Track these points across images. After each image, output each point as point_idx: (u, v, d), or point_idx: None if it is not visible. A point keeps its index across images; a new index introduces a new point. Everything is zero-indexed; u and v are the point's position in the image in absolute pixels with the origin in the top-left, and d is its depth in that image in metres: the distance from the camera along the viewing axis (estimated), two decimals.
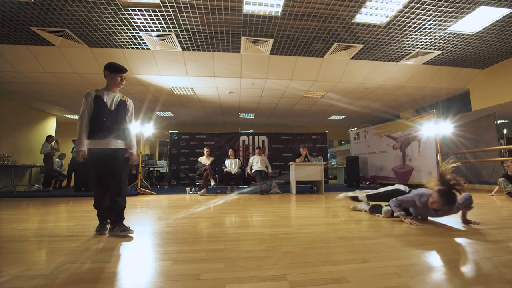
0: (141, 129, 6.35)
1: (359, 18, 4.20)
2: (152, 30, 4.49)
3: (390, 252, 1.57)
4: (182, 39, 4.77)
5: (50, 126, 9.05)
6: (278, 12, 4.02)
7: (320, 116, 10.04)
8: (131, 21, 4.20)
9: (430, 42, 4.99)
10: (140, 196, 5.42)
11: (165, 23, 4.29)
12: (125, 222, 2.13)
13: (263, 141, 8.31)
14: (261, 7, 3.90)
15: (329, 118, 10.46)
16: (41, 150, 7.26)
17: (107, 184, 2.09)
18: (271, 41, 4.87)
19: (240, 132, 8.46)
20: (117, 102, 2.19)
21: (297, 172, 5.67)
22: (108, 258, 1.53)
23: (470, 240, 1.83)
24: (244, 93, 7.23)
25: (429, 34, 4.70)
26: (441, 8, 3.94)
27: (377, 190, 3.04)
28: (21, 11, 3.92)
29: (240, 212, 3.26)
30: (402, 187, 2.82)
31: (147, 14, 4.03)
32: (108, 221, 2.15)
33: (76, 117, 9.55)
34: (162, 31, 4.52)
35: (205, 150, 6.33)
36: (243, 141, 8.28)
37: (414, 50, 5.31)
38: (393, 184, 3.13)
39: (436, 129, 6.05)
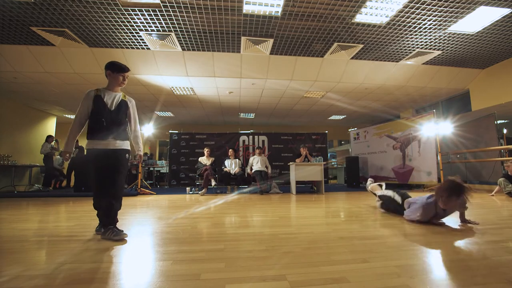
0: (141, 129, 6.35)
1: (359, 18, 4.20)
2: (152, 30, 4.49)
3: (390, 252, 1.57)
4: (182, 39, 4.77)
5: (50, 126, 9.05)
6: (278, 12, 4.02)
7: (320, 116, 10.04)
8: (131, 21, 4.20)
9: (430, 42, 4.99)
10: (140, 196, 5.42)
11: (165, 23, 4.29)
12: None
13: (263, 141, 8.31)
14: (261, 7, 3.90)
15: (329, 118, 10.46)
16: (41, 150, 7.26)
17: (104, 184, 2.03)
18: (271, 41, 4.87)
19: (240, 132, 8.46)
20: (118, 102, 2.15)
21: (297, 172, 5.67)
22: (108, 258, 1.53)
23: (470, 240, 1.83)
24: (244, 93, 7.23)
25: (429, 34, 4.70)
26: (441, 8, 3.94)
27: (385, 193, 3.05)
28: (21, 11, 3.92)
29: (240, 212, 3.26)
30: (390, 192, 2.94)
31: (147, 14, 4.03)
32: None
33: None
34: (162, 31, 4.52)
35: (205, 150, 6.33)
36: (243, 141, 8.28)
37: (414, 50, 5.31)
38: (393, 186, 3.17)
39: (436, 129, 6.05)
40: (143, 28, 4.42)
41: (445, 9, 3.96)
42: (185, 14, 4.05)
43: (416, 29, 4.52)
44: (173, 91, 6.92)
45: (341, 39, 4.85)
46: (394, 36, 4.77)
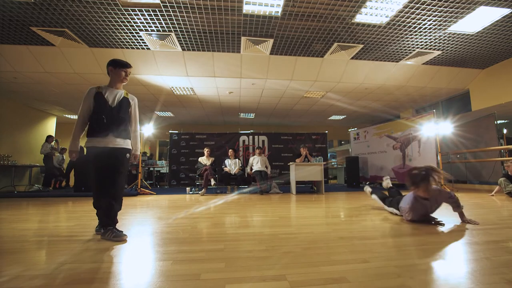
0: (141, 129, 6.36)
1: (359, 18, 4.20)
2: (152, 30, 4.49)
3: (390, 252, 1.57)
4: (182, 39, 4.77)
5: (50, 126, 9.05)
6: (278, 12, 4.02)
7: (320, 116, 10.04)
8: (131, 21, 4.20)
9: (430, 42, 4.99)
10: (140, 196, 5.42)
11: (165, 23, 4.29)
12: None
13: (263, 141, 8.31)
14: (261, 7, 3.90)
15: (329, 118, 10.46)
16: (41, 150, 7.27)
17: (104, 184, 1.99)
18: (271, 41, 4.87)
19: (240, 132, 8.46)
20: (119, 99, 2.10)
21: (297, 172, 5.67)
22: (108, 258, 1.53)
23: (470, 240, 1.83)
24: (244, 93, 7.23)
25: (429, 34, 4.70)
26: (441, 8, 3.94)
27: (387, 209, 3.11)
28: (21, 11, 3.92)
29: (240, 212, 3.26)
30: (389, 209, 3.01)
31: (147, 14, 4.03)
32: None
33: (76, 117, 9.54)
34: (162, 31, 4.52)
35: (205, 150, 6.33)
36: (243, 141, 8.28)
37: (414, 50, 5.31)
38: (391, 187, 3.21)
39: (436, 129, 6.05)
40: (143, 28, 4.42)
41: (445, 9, 3.96)
42: (185, 14, 4.05)
43: (416, 29, 4.52)
44: (173, 91, 6.93)
45: (341, 39, 4.85)
46: (394, 36, 4.77)
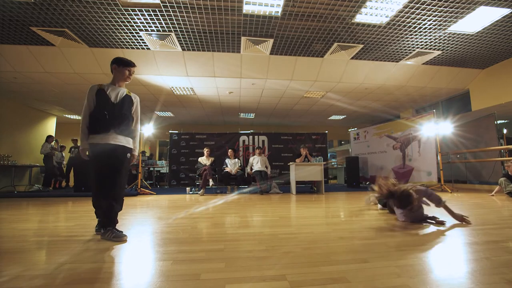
0: (141, 129, 6.36)
1: (359, 18, 4.20)
2: (152, 30, 4.49)
3: (390, 252, 1.57)
4: (182, 39, 4.77)
5: (50, 126, 9.05)
6: (278, 12, 4.02)
7: (320, 116, 10.04)
8: (131, 21, 4.20)
9: (430, 42, 4.99)
10: (140, 196, 5.42)
11: (165, 23, 4.29)
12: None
13: (263, 141, 8.31)
14: (261, 7, 3.90)
15: (329, 118, 10.46)
16: (41, 150, 7.26)
17: (105, 184, 1.97)
18: (271, 41, 4.87)
19: (240, 132, 8.46)
20: (122, 96, 2.09)
21: (297, 172, 5.67)
22: (108, 258, 1.53)
23: (470, 240, 1.83)
24: (244, 93, 7.23)
25: (429, 34, 4.70)
26: (441, 8, 3.94)
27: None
28: (21, 11, 3.92)
29: (240, 212, 3.26)
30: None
31: (147, 14, 4.03)
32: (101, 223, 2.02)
33: (76, 117, 9.55)
34: (162, 31, 4.52)
35: (205, 150, 6.33)
36: (243, 141, 8.28)
37: (414, 50, 5.31)
38: None
39: (436, 129, 6.05)
40: (143, 28, 4.42)
41: (445, 9, 3.96)
42: (185, 14, 4.05)
43: (416, 29, 4.52)
44: (173, 91, 6.93)
45: (341, 39, 4.85)
46: (394, 36, 4.77)
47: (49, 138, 7.47)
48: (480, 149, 6.39)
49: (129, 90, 2.20)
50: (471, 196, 4.84)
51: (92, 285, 1.16)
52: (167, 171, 8.35)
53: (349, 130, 9.03)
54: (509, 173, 4.81)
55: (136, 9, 3.91)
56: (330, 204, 3.96)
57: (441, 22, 4.33)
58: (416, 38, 4.84)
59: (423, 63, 5.95)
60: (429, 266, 1.35)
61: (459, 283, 1.15)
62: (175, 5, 3.82)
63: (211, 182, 5.75)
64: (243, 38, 4.78)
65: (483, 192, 5.44)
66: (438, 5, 3.85)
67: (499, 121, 7.51)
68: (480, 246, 1.67)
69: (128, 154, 2.11)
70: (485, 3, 3.80)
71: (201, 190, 5.66)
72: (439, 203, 2.38)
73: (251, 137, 8.31)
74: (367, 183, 8.30)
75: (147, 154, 10.18)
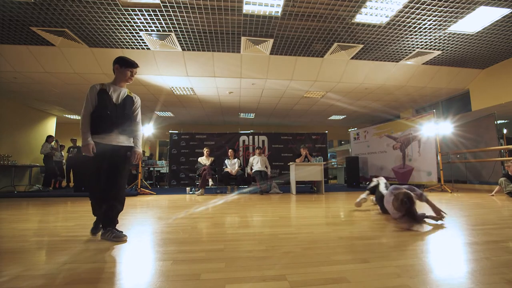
0: (141, 129, 6.36)
1: (359, 18, 4.20)
2: (152, 30, 4.49)
3: (390, 252, 1.57)
4: (182, 39, 4.77)
5: (50, 126, 9.05)
6: (278, 12, 4.02)
7: (320, 116, 10.04)
8: (131, 21, 4.20)
9: (430, 42, 4.99)
10: (140, 196, 5.42)
11: (165, 23, 4.29)
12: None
13: (263, 141, 8.31)
14: (261, 7, 3.90)
15: (329, 118, 10.46)
16: (41, 150, 7.26)
17: (106, 183, 1.95)
18: (271, 41, 4.87)
19: (240, 132, 8.46)
20: (123, 97, 2.07)
21: (297, 172, 5.67)
22: (108, 258, 1.53)
23: (470, 240, 1.83)
24: (244, 93, 7.23)
25: (429, 34, 4.70)
26: (441, 8, 3.94)
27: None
28: (21, 11, 3.92)
29: (240, 212, 3.26)
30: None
31: (147, 14, 4.03)
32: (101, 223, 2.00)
33: (76, 117, 9.55)
34: (162, 31, 4.52)
35: (205, 150, 6.33)
36: (243, 141, 8.28)
37: (414, 50, 5.31)
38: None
39: (436, 129, 6.05)
40: (143, 28, 4.42)
41: (445, 9, 3.96)
42: (185, 14, 4.05)
43: (416, 29, 4.52)
44: (173, 91, 6.92)
45: (341, 39, 4.85)
46: (394, 36, 4.77)
47: (49, 138, 7.47)
48: (480, 149, 6.39)
49: (130, 91, 2.19)
50: (471, 196, 4.84)
51: (92, 285, 1.16)
52: (167, 171, 8.35)
53: (349, 130, 9.03)
54: (509, 173, 4.82)
55: (136, 9, 3.91)
56: (330, 204, 3.96)
57: (441, 22, 4.33)
58: (416, 38, 4.84)
59: (423, 63, 5.95)
60: (429, 266, 1.35)
61: (459, 283, 1.15)
62: (175, 5, 3.82)
63: (210, 182, 5.75)
64: (243, 38, 4.78)
65: (483, 192, 5.44)
66: (438, 5, 3.85)
67: (499, 121, 7.52)
68: (480, 246, 1.67)
69: (128, 153, 2.09)
70: (485, 3, 3.80)
71: (200, 190, 5.65)
72: (421, 196, 2.52)
73: (251, 137, 8.32)
74: (367, 183, 8.30)
75: (147, 154, 10.18)
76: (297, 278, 1.21)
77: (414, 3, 3.82)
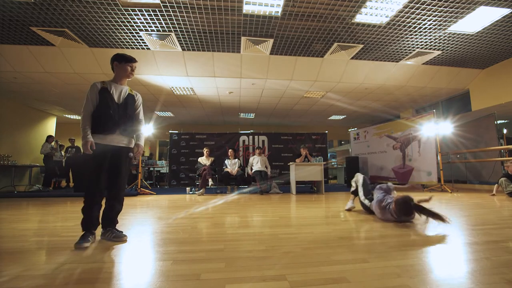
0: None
1: (359, 18, 4.20)
2: (152, 30, 4.49)
3: (390, 252, 1.57)
4: (182, 39, 4.77)
5: (50, 126, 9.05)
6: (278, 12, 4.02)
7: (320, 116, 10.04)
8: (131, 21, 4.20)
9: (430, 42, 4.99)
10: (140, 196, 5.42)
11: (165, 23, 4.29)
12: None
13: (263, 141, 8.31)
14: (261, 7, 3.90)
15: (329, 118, 10.46)
16: (41, 150, 7.26)
17: (104, 184, 1.93)
18: (271, 41, 4.87)
19: (240, 132, 8.45)
20: (125, 95, 2.04)
21: (297, 172, 5.67)
22: (108, 258, 1.53)
23: (470, 240, 1.83)
24: (244, 93, 7.23)
25: (429, 34, 4.70)
26: (441, 8, 3.94)
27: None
28: (21, 11, 3.92)
29: (240, 212, 3.26)
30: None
31: (147, 14, 4.03)
32: (100, 226, 1.96)
33: (76, 117, 9.55)
34: (162, 31, 4.52)
35: (205, 150, 6.33)
36: (243, 141, 8.27)
37: (414, 50, 5.31)
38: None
39: (436, 129, 6.05)
40: (143, 28, 4.42)
41: (445, 9, 3.96)
42: (185, 14, 4.05)
43: (416, 29, 4.52)
44: (173, 91, 6.92)
45: (341, 39, 4.85)
46: (394, 36, 4.77)
47: (49, 138, 7.47)
48: (480, 149, 6.39)
49: (131, 88, 2.17)
50: (471, 196, 4.84)
51: (92, 285, 1.16)
52: (167, 171, 8.35)
53: (349, 130, 9.03)
54: (509, 173, 4.82)
55: (136, 9, 3.91)
56: (330, 204, 3.96)
57: (441, 22, 4.33)
58: (416, 38, 4.84)
59: (423, 63, 5.95)
60: (429, 266, 1.35)
61: (459, 283, 1.15)
62: (175, 5, 3.82)
63: (210, 182, 5.75)
64: (243, 38, 4.78)
65: (483, 192, 5.44)
66: (438, 5, 3.85)
67: (499, 121, 7.52)
68: (480, 246, 1.67)
69: (130, 154, 2.08)
70: (485, 3, 3.80)
71: (201, 190, 5.65)
72: (391, 191, 2.66)
73: (251, 137, 8.31)
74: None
75: (147, 154, 10.17)
76: (297, 278, 1.21)
77: (414, 3, 3.82)
